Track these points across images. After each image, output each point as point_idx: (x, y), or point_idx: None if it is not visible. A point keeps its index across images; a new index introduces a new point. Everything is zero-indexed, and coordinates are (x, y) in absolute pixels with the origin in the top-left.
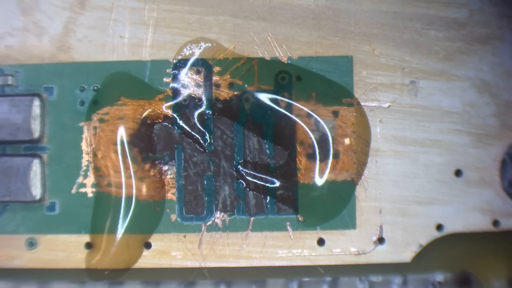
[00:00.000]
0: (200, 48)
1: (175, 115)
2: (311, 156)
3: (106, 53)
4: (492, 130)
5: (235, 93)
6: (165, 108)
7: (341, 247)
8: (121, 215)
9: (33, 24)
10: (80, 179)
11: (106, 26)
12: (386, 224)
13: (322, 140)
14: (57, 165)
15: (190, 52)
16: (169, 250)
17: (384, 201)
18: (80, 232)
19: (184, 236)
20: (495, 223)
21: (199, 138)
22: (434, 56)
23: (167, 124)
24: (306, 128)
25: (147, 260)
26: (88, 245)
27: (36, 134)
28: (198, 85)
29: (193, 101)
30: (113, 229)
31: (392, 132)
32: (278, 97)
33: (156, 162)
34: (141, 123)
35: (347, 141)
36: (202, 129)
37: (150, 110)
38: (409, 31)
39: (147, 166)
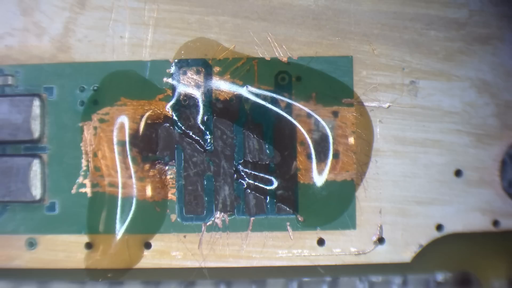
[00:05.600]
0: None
1: (175, 115)
2: (311, 156)
3: (106, 53)
4: (492, 130)
5: (235, 93)
6: (167, 108)
7: (341, 247)
8: (121, 215)
9: (33, 24)
10: (80, 179)
11: (106, 26)
12: (386, 224)
13: (322, 140)
14: (57, 165)
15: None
16: (169, 250)
17: (384, 201)
18: (80, 232)
19: (184, 236)
20: (495, 223)
21: (199, 138)
22: (434, 56)
23: (167, 124)
24: (303, 130)
25: (147, 260)
26: (88, 245)
27: (36, 134)
28: (198, 85)
29: (193, 101)
30: (113, 229)
31: (392, 132)
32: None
33: (156, 162)
34: (140, 123)
35: (351, 140)
36: (203, 129)
37: (150, 112)
38: (409, 31)
39: (147, 166)
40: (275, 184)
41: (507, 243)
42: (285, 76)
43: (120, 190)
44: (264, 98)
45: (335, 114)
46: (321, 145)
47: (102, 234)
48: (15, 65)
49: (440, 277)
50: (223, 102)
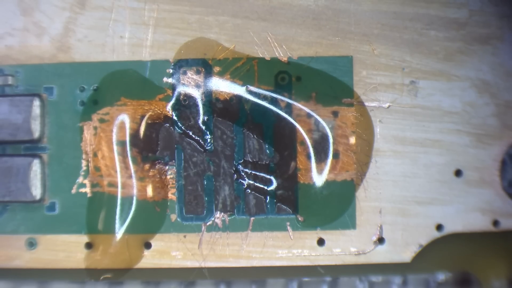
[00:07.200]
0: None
1: (175, 115)
2: (311, 156)
3: (106, 53)
4: (492, 130)
5: (235, 93)
6: (167, 108)
7: (341, 247)
8: (121, 215)
9: (33, 24)
10: (80, 179)
11: (106, 26)
12: (386, 224)
13: (322, 140)
14: (57, 165)
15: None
16: (169, 250)
17: (384, 201)
18: (80, 232)
19: (184, 236)
20: (495, 223)
21: (199, 138)
22: (434, 56)
23: (167, 124)
24: (302, 130)
25: (147, 260)
26: (88, 245)
27: (36, 134)
28: (198, 85)
29: (193, 101)
30: (113, 229)
31: (392, 132)
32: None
33: (156, 162)
34: (141, 123)
35: (351, 140)
36: (203, 129)
37: (150, 113)
38: (409, 31)
39: (147, 166)
40: (275, 184)
41: (507, 243)
42: (285, 76)
43: (120, 190)
44: (264, 98)
45: (335, 114)
46: (321, 145)
47: (102, 234)
48: (15, 65)
49: (440, 277)
50: (223, 102)
